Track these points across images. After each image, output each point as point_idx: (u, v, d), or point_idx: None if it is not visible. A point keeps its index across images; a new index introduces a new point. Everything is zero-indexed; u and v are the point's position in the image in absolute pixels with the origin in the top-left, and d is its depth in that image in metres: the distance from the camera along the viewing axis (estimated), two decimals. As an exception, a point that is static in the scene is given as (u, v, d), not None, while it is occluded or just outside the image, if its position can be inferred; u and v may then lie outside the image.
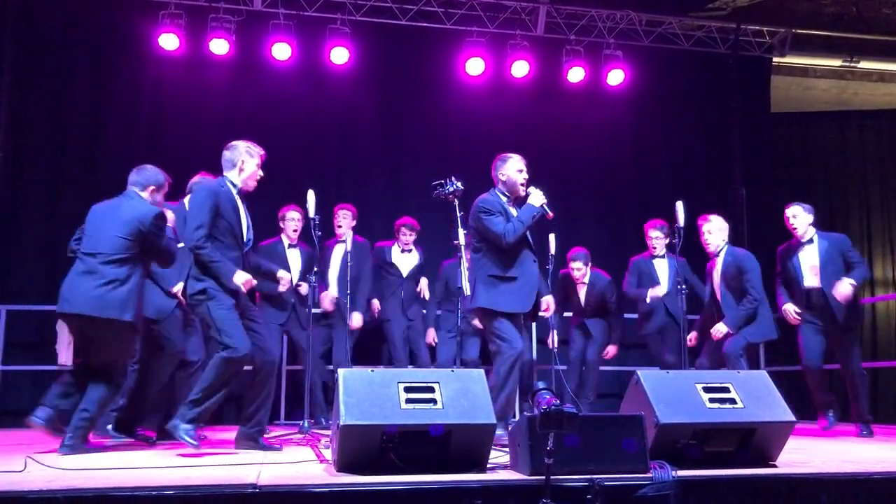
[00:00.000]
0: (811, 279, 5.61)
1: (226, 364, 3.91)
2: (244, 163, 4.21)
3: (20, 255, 6.93)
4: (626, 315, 6.75)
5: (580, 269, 6.47)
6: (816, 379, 5.58)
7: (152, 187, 4.33)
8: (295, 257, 6.23)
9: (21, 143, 7.09)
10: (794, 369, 7.53)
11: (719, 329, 5.47)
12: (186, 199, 5.28)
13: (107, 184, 6.83)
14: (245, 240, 4.22)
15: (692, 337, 5.93)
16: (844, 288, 5.38)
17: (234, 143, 4.28)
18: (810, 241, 5.64)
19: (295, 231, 6.22)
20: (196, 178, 5.28)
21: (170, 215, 4.68)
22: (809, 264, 5.62)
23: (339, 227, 6.36)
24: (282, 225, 6.28)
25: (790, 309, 5.63)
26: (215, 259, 3.98)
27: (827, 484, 3.01)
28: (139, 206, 4.18)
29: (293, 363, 6.84)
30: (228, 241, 4.10)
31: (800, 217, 5.67)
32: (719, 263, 5.62)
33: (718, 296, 5.61)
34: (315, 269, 5.67)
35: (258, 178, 4.28)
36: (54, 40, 7.27)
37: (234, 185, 4.20)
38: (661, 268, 6.39)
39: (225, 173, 4.23)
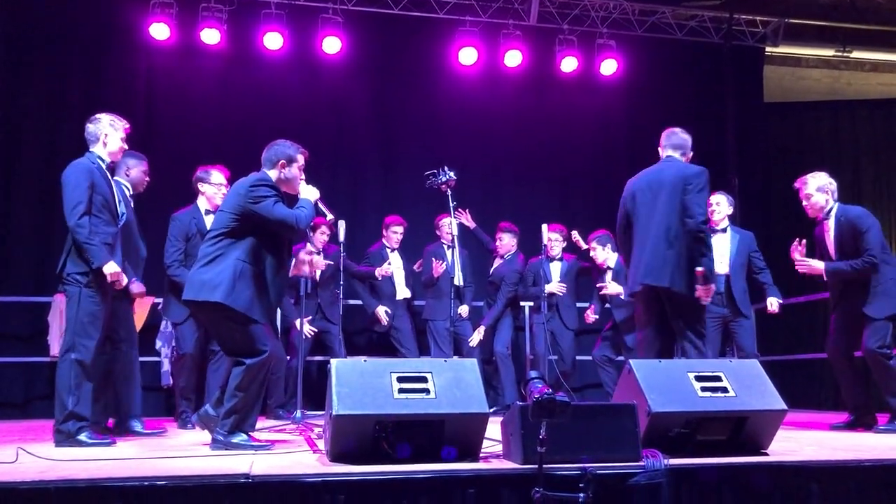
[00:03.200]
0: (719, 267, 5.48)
1: (77, 366, 3.84)
2: (107, 136, 4.19)
3: (12, 247, 6.88)
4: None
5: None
6: None
7: (282, 161, 3.84)
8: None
9: (13, 135, 7.03)
10: (790, 358, 7.59)
11: (812, 263, 4.78)
12: (200, 200, 5.29)
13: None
14: (119, 214, 4.21)
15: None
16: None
17: (96, 115, 4.26)
18: (723, 230, 5.70)
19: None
20: (198, 173, 5.28)
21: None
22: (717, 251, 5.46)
23: (398, 242, 6.68)
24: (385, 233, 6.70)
25: None
26: (91, 241, 3.91)
27: (818, 471, 3.03)
28: (247, 178, 3.79)
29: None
30: (105, 216, 4.07)
31: (722, 205, 5.73)
32: (831, 226, 4.92)
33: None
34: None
35: (124, 150, 4.29)
36: (45, 29, 7.19)
37: (103, 160, 4.18)
38: (555, 269, 6.57)
39: (91, 148, 4.20)
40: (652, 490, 2.81)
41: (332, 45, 7.58)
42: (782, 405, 3.35)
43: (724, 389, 3.35)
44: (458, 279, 5.44)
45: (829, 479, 3.01)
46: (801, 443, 3.90)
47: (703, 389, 3.33)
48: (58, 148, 7.11)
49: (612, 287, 6.06)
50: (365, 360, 3.20)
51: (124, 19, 7.35)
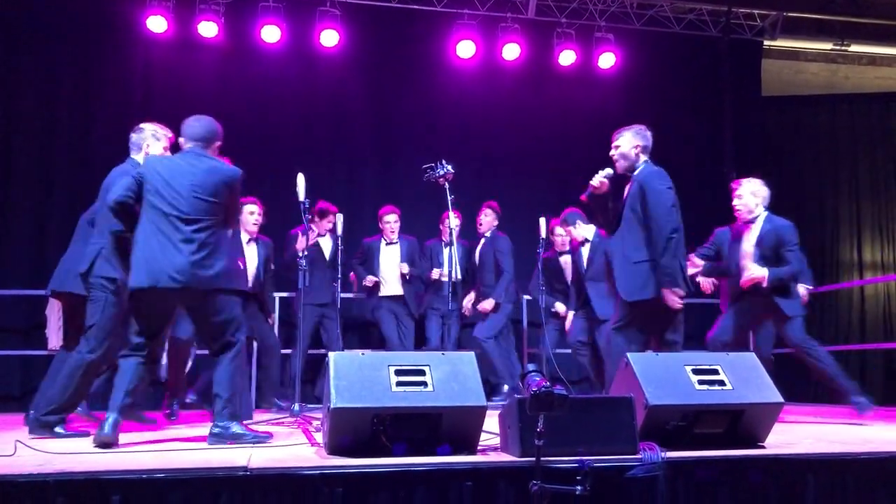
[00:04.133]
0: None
1: (89, 367, 3.95)
2: (149, 146, 4.24)
3: (10, 240, 6.88)
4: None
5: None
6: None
7: (218, 143, 3.96)
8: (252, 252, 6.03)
9: (9, 128, 7.03)
10: (786, 352, 7.59)
11: (755, 272, 4.92)
12: None
13: (97, 167, 6.80)
14: None
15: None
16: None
17: (141, 125, 4.31)
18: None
19: (255, 224, 5.99)
20: None
21: None
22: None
23: (393, 232, 6.59)
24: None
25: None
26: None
27: (814, 464, 3.03)
28: (222, 166, 3.82)
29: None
30: None
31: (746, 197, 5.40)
32: (754, 231, 5.11)
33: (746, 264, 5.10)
34: (305, 253, 5.63)
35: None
36: (42, 22, 7.17)
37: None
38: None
39: (133, 156, 4.25)
40: (649, 483, 2.82)
41: (329, 38, 7.57)
42: (779, 398, 3.36)
43: (721, 382, 3.35)
44: (456, 274, 5.46)
45: (825, 472, 3.02)
46: (798, 436, 3.91)
47: (701, 383, 3.34)
48: (55, 141, 7.12)
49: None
50: (363, 354, 3.20)
51: (121, 12, 7.33)
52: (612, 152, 4.50)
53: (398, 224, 6.65)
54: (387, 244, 6.65)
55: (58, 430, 3.94)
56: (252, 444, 3.49)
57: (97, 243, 4.02)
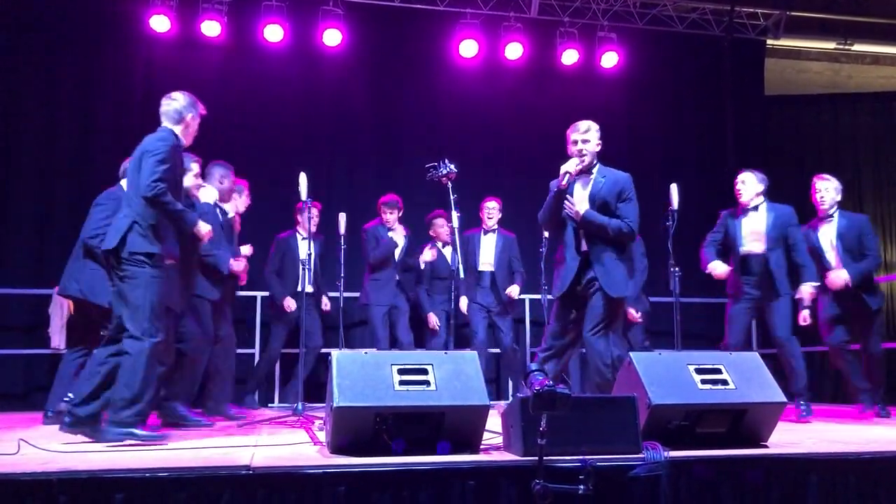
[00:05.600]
0: (751, 245, 5.28)
1: (152, 351, 3.59)
2: (192, 118, 4.10)
3: (11, 239, 6.88)
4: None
5: None
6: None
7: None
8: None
9: (11, 127, 7.03)
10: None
11: (840, 276, 5.38)
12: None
13: (97, 166, 6.81)
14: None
15: (805, 316, 5.28)
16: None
17: (175, 95, 4.12)
18: (755, 208, 5.39)
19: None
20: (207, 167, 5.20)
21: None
22: (750, 229, 5.31)
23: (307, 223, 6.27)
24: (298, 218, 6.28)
25: (718, 266, 5.26)
26: (178, 207, 3.74)
27: (817, 464, 3.03)
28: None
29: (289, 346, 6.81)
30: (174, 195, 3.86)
31: (748, 183, 5.43)
32: (833, 225, 5.57)
33: (836, 257, 5.53)
34: (309, 252, 5.65)
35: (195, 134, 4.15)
36: (44, 20, 7.18)
37: (179, 140, 4.02)
38: (488, 243, 6.60)
39: (169, 125, 4.04)
40: (652, 482, 2.82)
41: (332, 37, 7.57)
42: (782, 398, 3.36)
43: (724, 382, 3.35)
44: (460, 272, 5.46)
45: (828, 472, 3.02)
46: (801, 435, 3.90)
47: (703, 382, 3.34)
48: (56, 139, 7.12)
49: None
50: (365, 353, 3.21)
51: (124, 11, 7.33)
52: (580, 146, 4.41)
53: (315, 218, 6.32)
54: (302, 238, 6.36)
55: (136, 431, 3.52)
56: None
57: (127, 216, 3.71)
